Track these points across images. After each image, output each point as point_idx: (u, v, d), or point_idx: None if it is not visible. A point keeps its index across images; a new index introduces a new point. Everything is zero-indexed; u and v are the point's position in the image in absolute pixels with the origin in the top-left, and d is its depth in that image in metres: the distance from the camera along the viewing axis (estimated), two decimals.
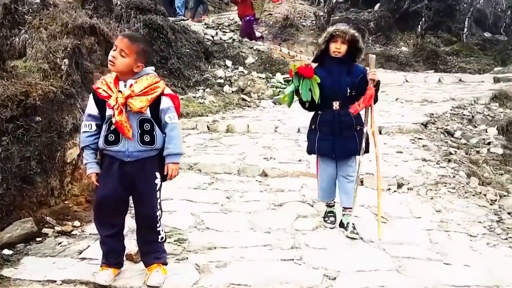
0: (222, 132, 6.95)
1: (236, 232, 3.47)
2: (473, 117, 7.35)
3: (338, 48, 3.26)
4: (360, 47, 3.30)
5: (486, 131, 6.82)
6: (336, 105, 3.31)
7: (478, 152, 6.08)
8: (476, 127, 7.05)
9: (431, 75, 11.81)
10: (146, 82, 2.59)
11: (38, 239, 3.29)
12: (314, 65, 3.46)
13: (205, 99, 8.94)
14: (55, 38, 6.25)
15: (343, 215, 3.52)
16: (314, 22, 14.46)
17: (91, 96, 2.68)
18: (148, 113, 2.59)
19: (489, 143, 6.34)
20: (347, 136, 3.33)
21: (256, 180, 4.77)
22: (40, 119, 3.69)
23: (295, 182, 4.70)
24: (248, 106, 9.50)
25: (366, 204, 3.99)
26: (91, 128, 2.63)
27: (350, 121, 3.33)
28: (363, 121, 3.34)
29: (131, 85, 2.57)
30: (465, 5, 17.47)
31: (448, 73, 12.43)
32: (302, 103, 3.36)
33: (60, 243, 3.25)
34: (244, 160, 5.33)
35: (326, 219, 3.67)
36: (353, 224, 3.38)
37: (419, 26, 15.02)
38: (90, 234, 3.40)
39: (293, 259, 3.05)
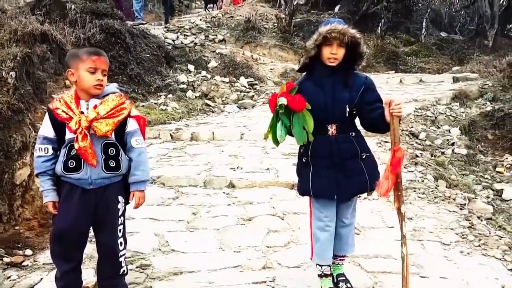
0: (187, 140, 6.72)
1: (204, 253, 3.26)
2: (436, 118, 7.46)
3: (334, 54, 2.42)
4: (362, 51, 2.48)
5: (449, 132, 6.92)
6: (332, 129, 2.49)
7: (443, 153, 6.15)
8: (439, 127, 7.15)
9: (392, 75, 11.99)
10: (113, 103, 2.34)
11: None
12: (297, 78, 2.66)
13: (167, 105, 8.67)
14: (3, 46, 5.84)
15: (333, 263, 2.78)
16: (276, 24, 14.40)
17: (46, 116, 2.38)
18: (112, 136, 2.35)
19: (453, 144, 6.43)
20: (351, 169, 2.51)
21: (223, 192, 4.59)
22: None
23: (264, 193, 4.54)
24: (213, 112, 9.30)
25: None
26: (47, 152, 2.35)
27: (352, 149, 2.51)
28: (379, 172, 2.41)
29: (96, 106, 2.32)
30: (421, 5, 17.91)
31: (408, 74, 12.66)
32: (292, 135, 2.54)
33: (9, 277, 2.94)
34: (210, 171, 5.13)
35: None
36: (345, 279, 2.73)
37: (379, 28, 15.25)
38: (43, 264, 3.11)
39: (265, 281, 2.88)
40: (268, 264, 3.11)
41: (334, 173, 2.51)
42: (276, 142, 2.52)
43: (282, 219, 3.92)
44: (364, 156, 2.55)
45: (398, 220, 3.56)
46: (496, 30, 15.88)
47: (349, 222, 2.69)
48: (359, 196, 4.36)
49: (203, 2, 19.13)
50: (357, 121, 2.62)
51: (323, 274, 2.72)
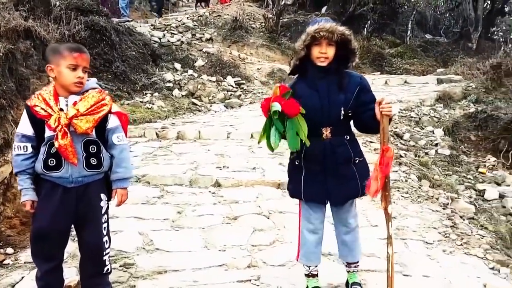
0: (172, 139, 6.68)
1: (189, 252, 3.25)
2: (420, 118, 7.55)
3: (323, 53, 2.37)
4: (353, 48, 2.43)
5: (433, 133, 7.01)
6: (326, 132, 2.43)
7: (426, 153, 6.23)
8: (423, 128, 7.24)
9: (378, 77, 12.10)
10: (93, 100, 2.29)
11: None
12: (290, 80, 2.61)
13: (153, 104, 8.61)
14: None
15: (348, 272, 2.76)
16: (263, 24, 14.42)
17: (24, 113, 2.32)
18: (93, 133, 2.31)
19: (436, 145, 6.52)
20: (343, 174, 2.47)
21: (209, 191, 4.57)
22: None
23: (249, 192, 4.54)
24: (199, 111, 9.27)
25: None
26: (26, 151, 2.28)
27: (346, 153, 2.47)
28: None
29: (75, 102, 2.28)
30: (406, 8, 18.12)
31: (393, 75, 12.80)
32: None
33: None
34: (196, 169, 5.11)
35: None
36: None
37: (365, 29, 15.38)
38: (24, 262, 3.06)
39: (250, 280, 2.87)
40: (253, 263, 3.11)
41: (326, 178, 2.48)
42: (271, 147, 2.46)
43: (268, 218, 3.93)
44: (357, 161, 2.51)
45: (382, 219, 3.57)
46: (479, 33, 16.18)
47: (353, 227, 2.64)
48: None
49: (189, 0, 19.08)
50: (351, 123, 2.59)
51: (310, 274, 2.70)
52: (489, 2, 18.78)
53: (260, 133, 2.50)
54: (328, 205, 2.62)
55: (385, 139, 2.31)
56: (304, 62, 2.47)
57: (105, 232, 2.42)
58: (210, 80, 10.30)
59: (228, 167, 5.23)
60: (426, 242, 3.47)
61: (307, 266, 2.71)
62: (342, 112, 2.42)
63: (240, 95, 10.26)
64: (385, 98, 2.33)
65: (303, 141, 2.38)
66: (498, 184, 5.91)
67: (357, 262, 2.74)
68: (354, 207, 2.63)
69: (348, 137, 2.50)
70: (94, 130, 2.31)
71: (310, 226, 2.59)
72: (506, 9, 19.99)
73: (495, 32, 20.25)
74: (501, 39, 18.39)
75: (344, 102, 2.42)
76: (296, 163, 2.55)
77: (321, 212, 2.59)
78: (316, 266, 2.71)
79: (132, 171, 2.50)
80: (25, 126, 2.30)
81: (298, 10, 16.88)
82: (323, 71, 2.43)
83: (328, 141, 2.44)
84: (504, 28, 19.81)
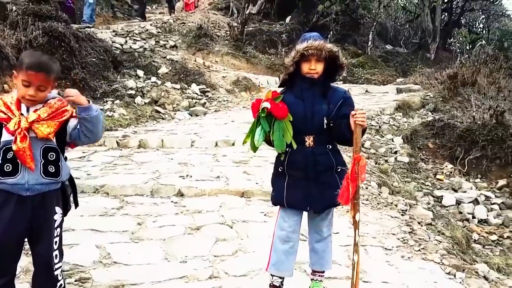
0: (134, 148, 6.55)
1: (148, 265, 3.15)
2: (380, 127, 7.74)
3: (313, 69, 2.49)
4: (342, 63, 2.55)
5: (393, 141, 7.21)
6: (309, 140, 2.51)
7: (386, 161, 6.38)
8: (383, 136, 7.43)
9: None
10: (54, 106, 2.24)
11: None
12: (279, 90, 2.69)
13: (114, 111, 8.43)
14: None
15: (311, 280, 2.79)
16: (229, 32, 14.46)
17: None
18: (54, 141, 2.25)
19: (396, 152, 6.70)
20: (325, 182, 2.52)
21: (171, 201, 4.48)
22: None
23: (213, 201, 4.49)
24: (163, 119, 9.15)
25: None
26: None
27: (328, 161, 2.54)
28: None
29: (36, 110, 2.21)
30: (368, 19, 18.65)
31: (355, 84, 13.10)
32: (268, 142, 2.58)
33: None
34: (158, 179, 5.01)
35: None
36: None
37: (328, 39, 15.70)
38: None
39: None
40: (214, 274, 3.06)
41: (308, 185, 2.52)
42: (254, 147, 2.53)
43: (231, 228, 3.89)
44: (339, 170, 2.55)
45: (343, 227, 3.63)
46: (437, 43, 16.84)
47: (326, 236, 2.67)
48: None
49: (152, 7, 18.92)
50: None
51: (272, 284, 2.67)
52: (446, 14, 19.60)
53: (247, 133, 2.57)
54: (304, 217, 2.64)
55: (356, 148, 2.36)
56: (293, 75, 2.57)
57: (55, 246, 2.33)
58: (174, 88, 10.19)
59: (191, 176, 5.16)
60: (385, 248, 3.53)
61: (271, 275, 2.68)
62: (325, 121, 2.50)
63: (205, 103, 10.21)
64: (360, 108, 2.39)
65: (290, 144, 2.48)
66: (455, 191, 6.13)
67: (323, 272, 2.75)
68: (330, 217, 2.67)
69: (331, 147, 2.57)
70: (54, 137, 2.24)
71: (283, 235, 2.59)
72: (462, 21, 20.96)
73: (452, 43, 21.16)
74: (457, 50, 19.23)
75: (327, 112, 2.51)
76: (280, 170, 2.61)
77: (297, 222, 2.61)
78: (280, 278, 2.66)
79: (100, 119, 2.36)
80: None
81: (262, 19, 17.04)
82: (311, 82, 2.53)
83: (311, 149, 2.52)
84: (460, 39, 20.73)
